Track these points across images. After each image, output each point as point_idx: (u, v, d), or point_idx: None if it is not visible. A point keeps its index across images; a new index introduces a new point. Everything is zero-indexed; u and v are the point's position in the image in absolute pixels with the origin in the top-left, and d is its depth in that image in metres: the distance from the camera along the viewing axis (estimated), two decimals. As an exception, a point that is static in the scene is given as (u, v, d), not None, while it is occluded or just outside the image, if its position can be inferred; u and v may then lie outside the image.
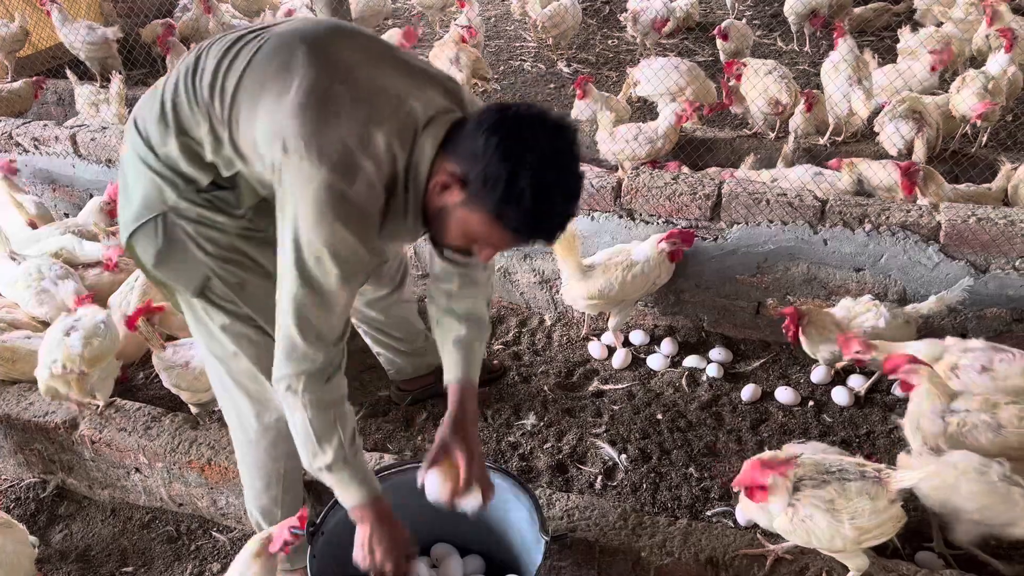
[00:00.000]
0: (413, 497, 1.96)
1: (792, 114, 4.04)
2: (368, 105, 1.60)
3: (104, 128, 3.86)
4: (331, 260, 1.60)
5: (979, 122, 3.76)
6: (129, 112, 4.50)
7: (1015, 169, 3.41)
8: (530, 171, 1.49)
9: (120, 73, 4.80)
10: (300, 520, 1.86)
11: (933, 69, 4.08)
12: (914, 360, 2.26)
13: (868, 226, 2.80)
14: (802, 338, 2.74)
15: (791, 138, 3.77)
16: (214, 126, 1.70)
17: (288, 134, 1.57)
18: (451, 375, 1.97)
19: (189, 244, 1.82)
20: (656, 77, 4.17)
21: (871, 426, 2.73)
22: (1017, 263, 2.69)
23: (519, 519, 2.03)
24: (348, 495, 1.80)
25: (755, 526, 2.38)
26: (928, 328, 2.80)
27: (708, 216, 2.99)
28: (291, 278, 1.62)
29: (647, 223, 3.07)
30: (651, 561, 2.09)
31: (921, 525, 2.38)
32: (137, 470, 2.56)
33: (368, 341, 2.83)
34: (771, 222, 2.91)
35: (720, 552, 2.08)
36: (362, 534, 1.81)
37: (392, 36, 4.99)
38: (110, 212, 3.48)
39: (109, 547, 2.55)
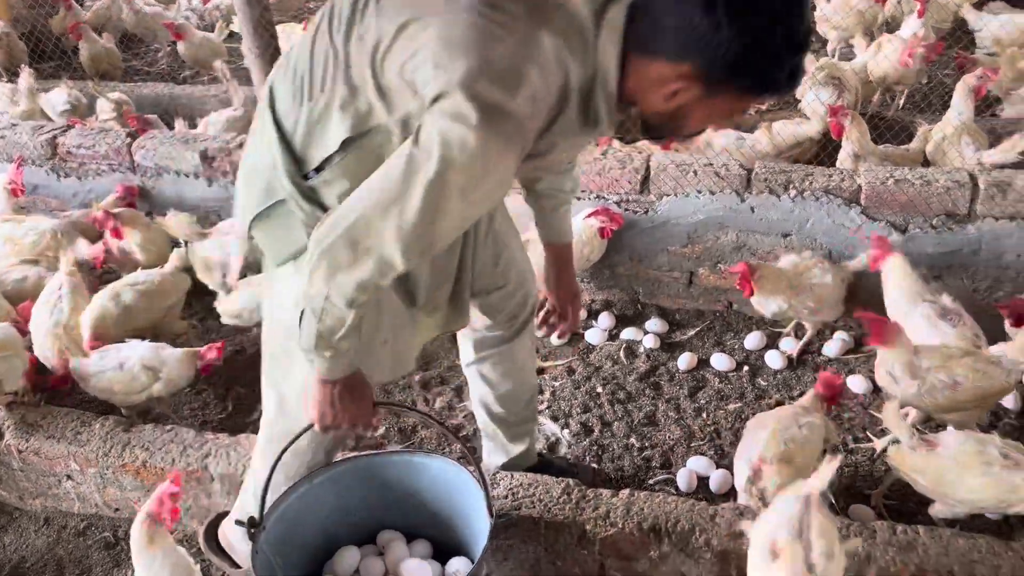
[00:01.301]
0: (360, 484, 1.95)
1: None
2: (531, 5, 1.38)
3: (14, 125, 3.70)
4: (462, 170, 1.36)
5: (910, 62, 3.85)
6: (40, 107, 4.34)
7: (931, 130, 3.53)
8: (777, 27, 1.30)
9: (28, 67, 4.60)
10: (174, 482, 1.85)
11: None
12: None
13: (793, 192, 2.86)
14: (756, 293, 2.78)
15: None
16: (350, 76, 1.50)
17: (444, 44, 1.36)
18: (551, 237, 2.12)
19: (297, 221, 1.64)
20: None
21: (803, 387, 2.80)
22: (934, 222, 2.78)
23: (464, 502, 2.04)
24: (337, 369, 1.63)
25: (697, 491, 2.44)
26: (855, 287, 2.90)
27: (638, 190, 3.02)
28: (410, 180, 1.38)
29: (579, 199, 3.08)
30: (596, 533, 2.11)
31: (855, 480, 2.47)
32: (69, 477, 2.49)
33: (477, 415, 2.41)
34: (699, 192, 2.95)
35: (663, 519, 2.11)
36: (325, 393, 1.67)
37: None
38: (13, 191, 3.34)
39: (44, 558, 2.48)
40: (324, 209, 1.58)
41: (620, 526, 2.11)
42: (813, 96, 3.85)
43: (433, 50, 1.37)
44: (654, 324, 3.12)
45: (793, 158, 3.47)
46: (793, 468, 2.13)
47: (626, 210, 3.05)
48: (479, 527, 1.95)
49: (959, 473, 2.10)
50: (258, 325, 2.89)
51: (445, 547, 2.12)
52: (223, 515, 2.19)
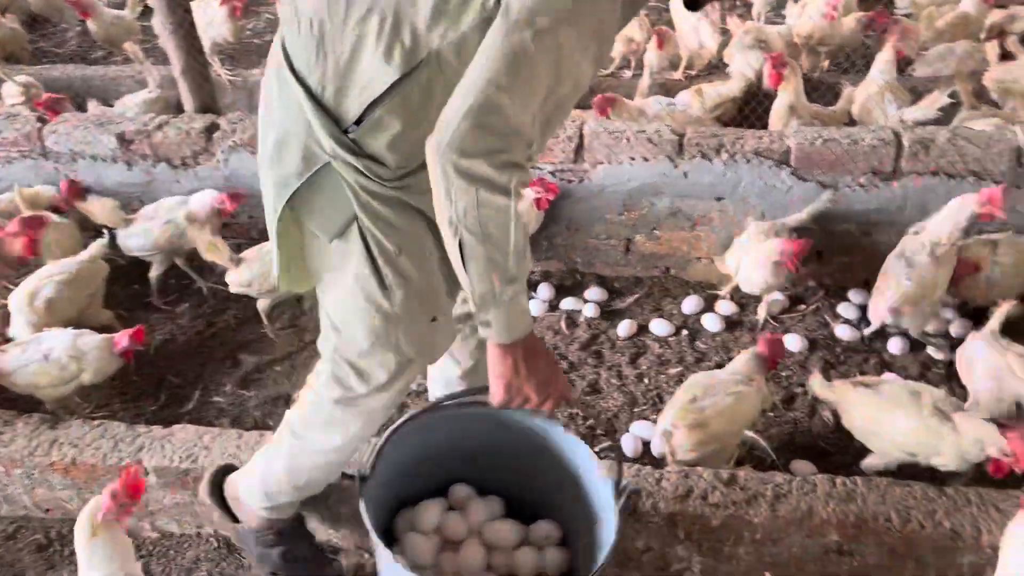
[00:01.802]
0: (444, 434, 1.96)
1: (645, 51, 4.10)
2: None
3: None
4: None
5: (834, 14, 3.90)
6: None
7: (855, 91, 3.60)
8: None
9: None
10: (130, 484, 1.76)
11: None
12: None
13: (725, 155, 2.88)
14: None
15: (645, 74, 3.81)
16: (381, 5, 1.38)
17: None
18: None
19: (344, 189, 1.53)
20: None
21: (741, 348, 2.83)
22: (862, 179, 2.84)
23: (549, 464, 1.99)
24: (519, 323, 1.47)
25: (642, 456, 2.46)
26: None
27: (572, 158, 3.00)
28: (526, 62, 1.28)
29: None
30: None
31: (794, 436, 2.52)
32: (-7, 480, 2.37)
33: None
34: (633, 159, 2.95)
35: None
36: (508, 362, 1.51)
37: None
38: None
39: (-28, 565, 2.37)
40: (374, 161, 1.48)
41: (569, 495, 2.11)
42: (742, 59, 3.89)
43: None
44: (593, 293, 3.13)
45: (716, 118, 3.50)
46: (707, 433, 2.18)
47: (561, 180, 3.03)
48: (571, 492, 1.95)
49: (891, 413, 2.18)
50: (267, 292, 2.88)
51: (521, 505, 2.09)
52: (230, 468, 2.12)
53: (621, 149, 2.94)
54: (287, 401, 2.77)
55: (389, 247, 1.57)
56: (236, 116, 3.34)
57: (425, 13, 1.36)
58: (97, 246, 2.92)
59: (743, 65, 3.86)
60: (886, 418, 2.21)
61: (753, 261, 2.76)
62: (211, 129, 3.22)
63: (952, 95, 3.31)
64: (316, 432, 1.86)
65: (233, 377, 2.89)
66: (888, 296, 2.58)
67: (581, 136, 2.97)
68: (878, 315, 2.63)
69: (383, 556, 1.73)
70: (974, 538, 1.95)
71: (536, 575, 1.93)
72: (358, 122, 1.46)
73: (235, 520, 2.10)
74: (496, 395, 1.56)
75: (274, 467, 1.97)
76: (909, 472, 2.24)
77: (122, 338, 2.57)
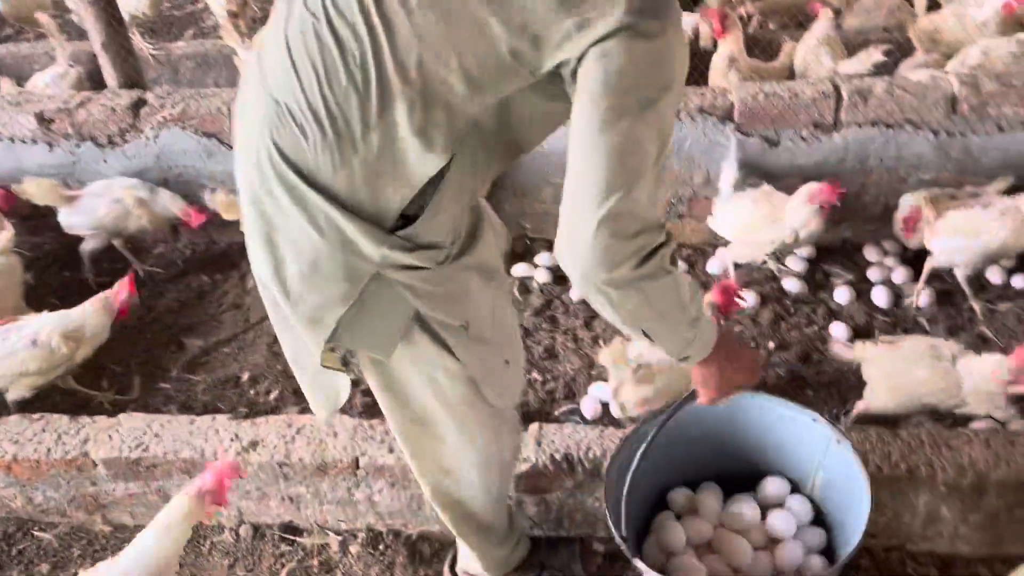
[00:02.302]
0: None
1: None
2: None
3: None
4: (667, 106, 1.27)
5: None
6: None
7: (795, 46, 3.62)
8: None
9: None
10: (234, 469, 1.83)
11: None
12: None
13: (669, 114, 2.87)
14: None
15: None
16: (409, 79, 1.24)
17: None
18: None
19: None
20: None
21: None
22: (804, 133, 2.86)
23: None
24: (710, 340, 1.52)
25: (602, 417, 2.46)
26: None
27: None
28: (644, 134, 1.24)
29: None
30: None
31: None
32: (-71, 483, 2.25)
33: None
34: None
35: (574, 448, 2.12)
36: (712, 370, 1.59)
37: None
38: None
39: (-89, 573, 2.25)
40: (429, 247, 1.36)
41: (533, 459, 2.10)
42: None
43: None
44: (544, 258, 3.10)
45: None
46: (652, 388, 2.20)
47: (506, 144, 2.99)
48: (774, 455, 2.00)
49: (909, 367, 2.23)
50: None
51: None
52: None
53: (566, 111, 2.91)
54: (237, 382, 2.69)
55: (456, 324, 1.47)
56: (164, 91, 3.20)
57: (460, 88, 1.25)
58: (4, 238, 2.78)
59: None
60: (906, 372, 2.24)
61: (764, 219, 2.73)
62: (138, 105, 3.07)
63: (888, 52, 3.36)
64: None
65: (179, 362, 2.79)
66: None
67: (525, 99, 2.92)
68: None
69: None
70: (929, 477, 2.00)
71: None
72: (406, 217, 1.33)
73: None
74: (707, 398, 1.66)
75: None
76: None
77: (120, 292, 2.52)
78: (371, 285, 1.36)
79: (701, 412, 1.98)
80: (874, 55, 3.29)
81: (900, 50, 3.62)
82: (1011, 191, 2.71)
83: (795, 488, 2.03)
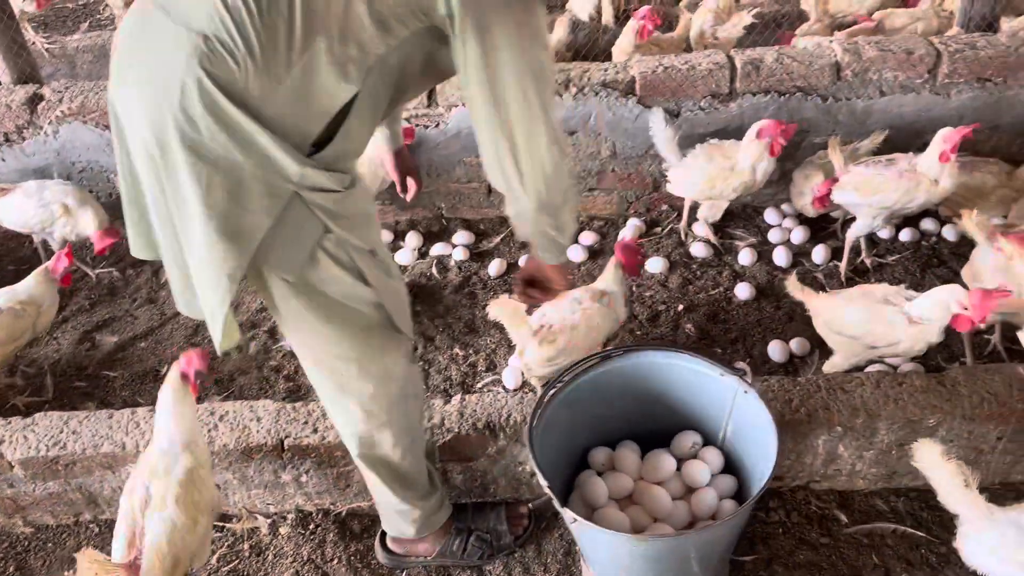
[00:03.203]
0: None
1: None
2: None
3: None
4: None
5: None
6: None
7: (692, 18, 3.75)
8: None
9: None
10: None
11: None
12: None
13: (574, 89, 2.95)
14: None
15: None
16: (320, 24, 1.40)
17: None
18: (396, 143, 2.34)
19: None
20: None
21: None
22: (702, 103, 2.98)
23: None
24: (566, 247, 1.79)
25: (523, 386, 2.54)
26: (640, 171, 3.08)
27: (426, 103, 3.00)
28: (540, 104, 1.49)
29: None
30: (434, 442, 2.15)
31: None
32: None
33: None
34: (486, 99, 2.97)
35: (496, 416, 2.18)
36: (562, 271, 1.84)
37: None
38: None
39: None
40: (338, 171, 1.50)
41: (457, 430, 2.16)
42: (580, -3, 3.96)
43: None
44: (461, 237, 3.16)
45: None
46: (555, 347, 2.28)
47: (416, 125, 3.02)
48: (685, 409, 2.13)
49: (845, 308, 2.36)
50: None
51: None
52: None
53: (473, 90, 2.96)
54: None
55: (364, 246, 1.60)
56: (61, 85, 3.11)
57: (370, 27, 1.42)
58: None
59: (582, 1, 3.94)
60: (841, 314, 2.36)
61: (719, 168, 2.85)
62: (35, 100, 2.99)
63: (757, 15, 3.55)
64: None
65: (93, 359, 2.75)
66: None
67: (432, 80, 2.96)
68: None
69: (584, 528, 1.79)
70: (826, 419, 2.14)
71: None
72: (319, 143, 1.47)
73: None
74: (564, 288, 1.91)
75: (379, 490, 1.99)
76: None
77: (58, 262, 2.58)
78: (289, 206, 1.49)
79: (617, 373, 2.08)
80: (744, 19, 3.46)
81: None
82: (905, 150, 2.87)
83: (708, 440, 2.15)
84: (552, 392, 1.98)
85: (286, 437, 2.16)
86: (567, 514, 1.76)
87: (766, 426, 1.87)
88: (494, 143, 1.52)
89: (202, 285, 1.53)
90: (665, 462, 2.06)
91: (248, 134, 1.40)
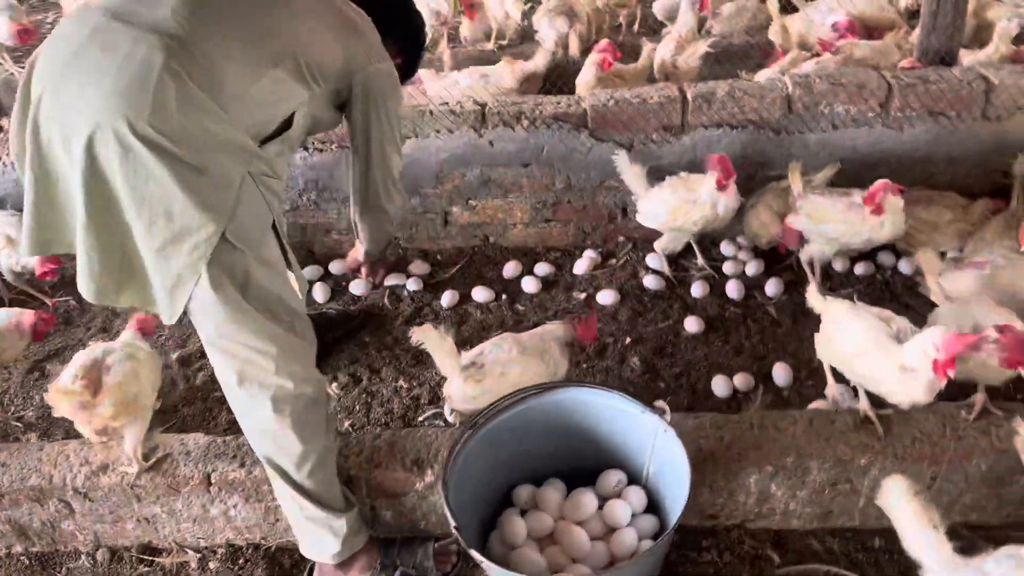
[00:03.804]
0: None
1: (459, 23, 4.15)
2: None
3: None
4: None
5: None
6: None
7: (655, 49, 3.77)
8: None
9: None
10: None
11: None
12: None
13: (526, 122, 2.97)
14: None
15: (446, 52, 3.85)
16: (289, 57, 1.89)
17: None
18: None
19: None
20: None
21: (556, 306, 2.96)
22: (654, 136, 2.99)
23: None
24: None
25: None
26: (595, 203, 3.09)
27: (402, 136, 3.01)
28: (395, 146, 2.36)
29: (320, 151, 3.03)
30: (360, 476, 2.14)
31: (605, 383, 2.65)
32: None
33: None
34: (438, 132, 2.99)
35: (425, 452, 2.18)
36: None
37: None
38: None
39: None
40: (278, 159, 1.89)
41: (384, 465, 2.15)
42: (548, 26, 3.99)
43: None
44: (417, 267, 3.17)
45: (524, 91, 3.59)
46: (480, 388, 2.24)
47: (371, 157, 3.04)
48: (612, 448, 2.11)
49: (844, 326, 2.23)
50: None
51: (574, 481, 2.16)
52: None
53: (425, 122, 2.98)
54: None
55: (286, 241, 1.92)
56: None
57: (323, 70, 1.99)
58: None
59: (548, 31, 3.97)
60: (838, 331, 2.22)
61: (682, 200, 2.84)
62: (-7, 131, 3.03)
63: (713, 45, 3.57)
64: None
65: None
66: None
67: (385, 112, 2.98)
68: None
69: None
70: (757, 458, 2.12)
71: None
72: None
73: None
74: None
75: (286, 497, 2.00)
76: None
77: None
78: (245, 184, 1.74)
79: (539, 410, 2.07)
80: (701, 48, 3.49)
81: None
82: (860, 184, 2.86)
83: (633, 479, 2.13)
84: (471, 430, 1.97)
85: (213, 471, 2.16)
86: (474, 555, 1.75)
87: (682, 466, 1.85)
88: (383, 167, 2.35)
89: (170, 259, 1.69)
90: (587, 501, 2.04)
91: (216, 118, 1.67)
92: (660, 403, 1.96)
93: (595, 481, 2.13)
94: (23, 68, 4.21)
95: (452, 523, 1.77)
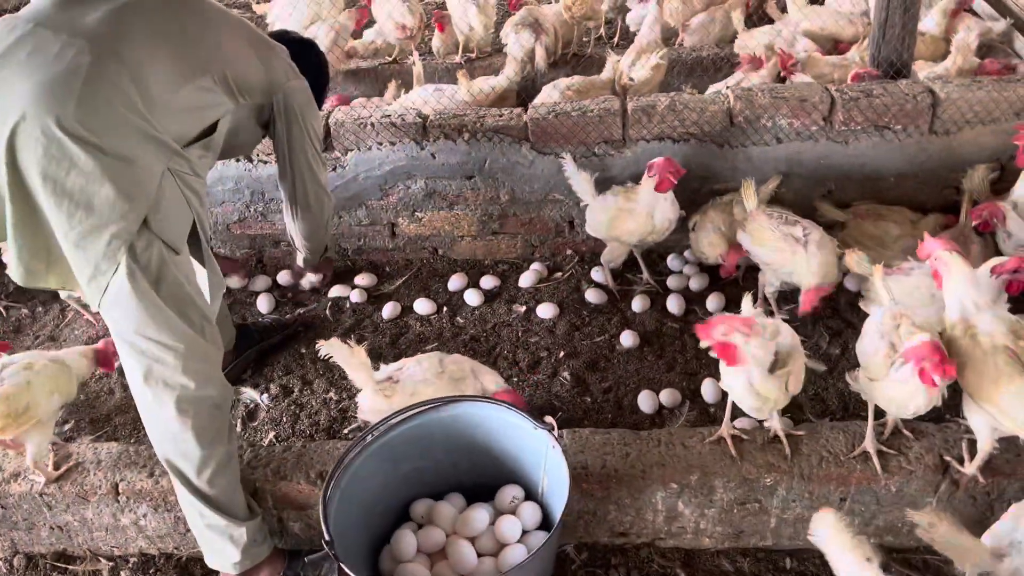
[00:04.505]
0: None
1: (430, 36, 4.17)
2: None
3: None
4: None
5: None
6: None
7: (619, 61, 3.75)
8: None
9: None
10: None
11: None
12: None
13: (467, 135, 2.97)
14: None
15: (416, 60, 3.86)
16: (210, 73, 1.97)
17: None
18: None
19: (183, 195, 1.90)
20: (296, 11, 4.12)
21: (497, 318, 2.95)
22: (596, 149, 2.97)
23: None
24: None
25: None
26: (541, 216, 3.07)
27: (322, 147, 3.03)
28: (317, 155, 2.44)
29: (265, 162, 3.05)
30: (266, 489, 2.15)
31: (533, 397, 2.63)
32: None
33: None
34: (380, 145, 3.00)
35: (330, 464, 2.17)
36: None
37: None
38: None
39: None
40: (200, 160, 1.96)
41: (288, 477, 2.16)
42: (515, 39, 3.99)
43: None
44: (362, 279, 3.17)
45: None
46: (388, 403, 2.24)
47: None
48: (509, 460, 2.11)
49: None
50: None
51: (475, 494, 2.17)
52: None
53: (367, 135, 2.99)
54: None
55: (206, 239, 2.03)
56: None
57: (248, 85, 2.10)
58: None
59: (515, 45, 3.97)
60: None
61: (621, 211, 2.84)
62: None
63: (683, 57, 3.55)
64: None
65: None
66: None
67: (327, 124, 3.00)
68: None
69: None
70: (660, 476, 2.09)
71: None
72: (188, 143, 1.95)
73: None
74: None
75: (187, 503, 2.03)
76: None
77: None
78: (166, 179, 1.82)
79: (436, 424, 2.07)
80: (652, 59, 3.48)
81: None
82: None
83: (531, 494, 2.11)
84: (362, 445, 1.97)
85: (121, 480, 2.18)
86: (347, 572, 1.75)
87: (565, 483, 1.84)
88: (309, 174, 2.44)
89: (88, 250, 1.76)
90: (478, 516, 2.02)
91: (141, 120, 1.76)
92: (548, 419, 1.94)
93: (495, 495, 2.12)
94: None
95: (325, 537, 1.77)
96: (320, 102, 2.48)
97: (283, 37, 2.37)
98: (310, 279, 2.98)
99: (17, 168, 1.72)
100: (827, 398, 2.54)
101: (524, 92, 3.77)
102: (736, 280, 3.02)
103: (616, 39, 4.58)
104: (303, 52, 2.39)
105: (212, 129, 2.01)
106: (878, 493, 2.09)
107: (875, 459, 2.06)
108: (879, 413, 2.10)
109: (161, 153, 1.82)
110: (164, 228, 1.83)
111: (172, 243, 1.86)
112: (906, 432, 2.12)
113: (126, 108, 1.75)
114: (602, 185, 2.91)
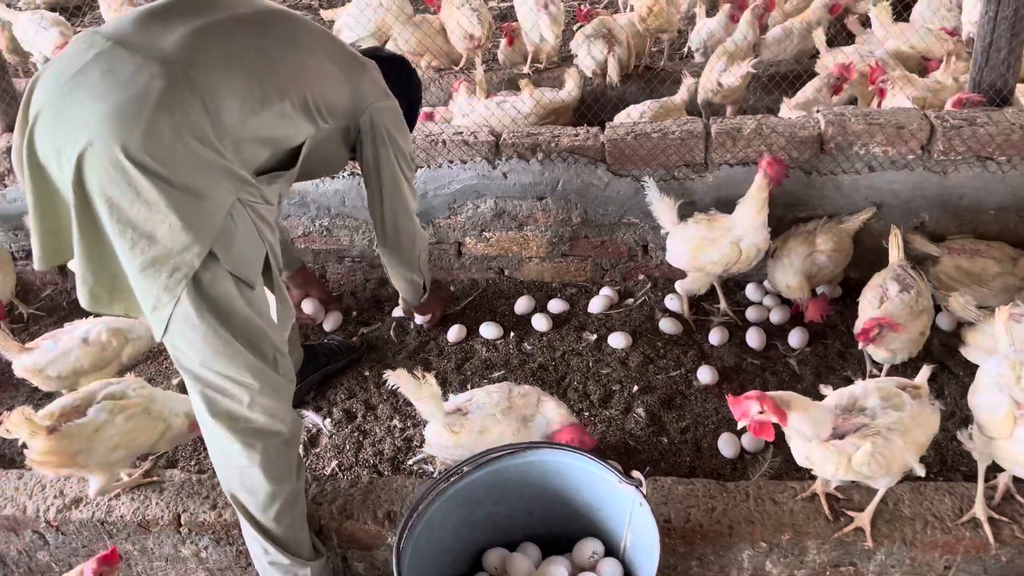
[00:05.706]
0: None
1: (497, 46, 4.07)
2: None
3: None
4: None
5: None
6: None
7: (696, 82, 3.61)
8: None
9: None
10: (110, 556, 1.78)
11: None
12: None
13: (540, 155, 2.86)
14: None
15: (479, 69, 3.75)
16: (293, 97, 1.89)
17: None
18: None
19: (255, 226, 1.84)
20: (362, 17, 4.05)
21: (566, 346, 2.83)
22: (676, 173, 2.84)
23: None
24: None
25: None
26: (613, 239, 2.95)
27: (414, 171, 2.94)
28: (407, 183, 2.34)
29: (333, 177, 2.98)
30: (331, 527, 2.07)
31: (606, 435, 2.52)
32: None
33: None
34: (451, 162, 2.91)
35: (398, 503, 2.09)
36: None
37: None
38: None
39: None
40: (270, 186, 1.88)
41: (355, 516, 2.08)
42: (586, 50, 3.87)
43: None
44: (427, 298, 3.08)
45: (552, 121, 3.47)
46: (455, 439, 2.16)
47: (383, 186, 2.98)
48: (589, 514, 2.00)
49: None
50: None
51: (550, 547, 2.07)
52: None
53: (438, 152, 2.90)
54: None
55: (277, 269, 1.97)
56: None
57: (330, 111, 1.99)
58: None
59: (586, 57, 3.85)
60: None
61: (705, 240, 2.71)
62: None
63: (755, 65, 3.42)
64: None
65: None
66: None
67: (397, 141, 2.91)
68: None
69: None
70: (749, 533, 1.96)
71: None
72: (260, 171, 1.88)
73: None
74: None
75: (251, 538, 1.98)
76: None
77: None
78: (235, 210, 1.74)
79: (514, 471, 1.96)
80: (743, 68, 3.33)
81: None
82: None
83: (611, 550, 1.99)
84: (436, 491, 1.87)
85: (184, 511, 2.12)
86: None
87: (653, 544, 1.72)
88: (398, 201, 2.35)
89: (150, 280, 1.70)
90: (561, 571, 1.91)
91: (213, 150, 1.69)
92: (636, 474, 1.82)
93: (572, 547, 2.01)
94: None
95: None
96: (412, 123, 2.37)
97: (373, 54, 2.26)
98: (418, 319, 2.92)
99: (85, 191, 1.66)
100: (922, 449, 2.38)
101: (583, 105, 3.64)
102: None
103: (686, 51, 4.43)
104: (393, 70, 2.26)
105: (288, 156, 1.93)
106: (986, 563, 1.94)
107: (987, 527, 1.90)
108: (989, 474, 1.95)
109: (231, 184, 1.74)
110: (238, 264, 1.77)
111: (246, 278, 1.79)
112: (1019, 498, 1.96)
113: (196, 138, 1.68)
114: (681, 211, 2.78)
